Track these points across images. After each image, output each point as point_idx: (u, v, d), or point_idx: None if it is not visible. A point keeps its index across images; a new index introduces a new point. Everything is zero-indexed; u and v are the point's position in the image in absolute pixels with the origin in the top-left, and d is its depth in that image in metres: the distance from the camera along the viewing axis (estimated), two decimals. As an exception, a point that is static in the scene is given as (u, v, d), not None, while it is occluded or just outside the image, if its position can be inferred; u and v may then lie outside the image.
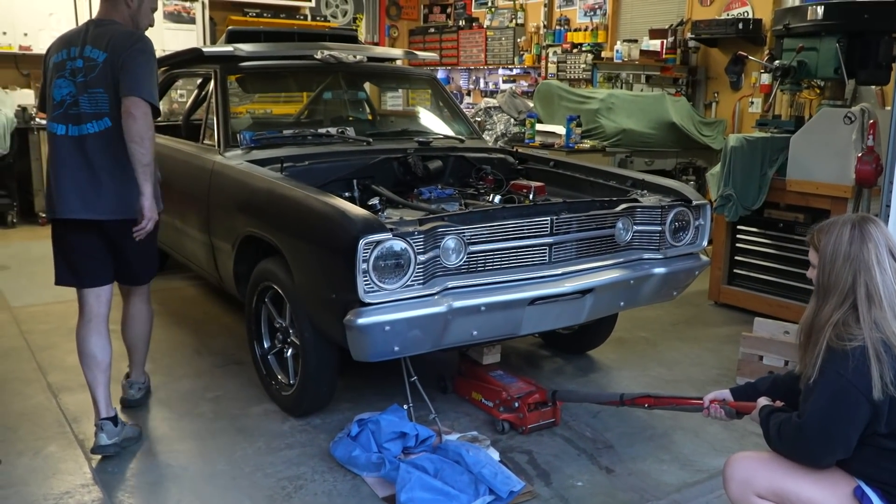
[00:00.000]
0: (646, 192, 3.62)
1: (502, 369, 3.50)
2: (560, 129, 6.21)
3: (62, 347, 4.14)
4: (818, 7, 4.72)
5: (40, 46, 7.40)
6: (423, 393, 3.15)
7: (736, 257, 5.09)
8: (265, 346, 3.47)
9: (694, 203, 3.52)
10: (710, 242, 4.76)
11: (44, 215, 7.22)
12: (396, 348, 2.81)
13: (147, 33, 3.04)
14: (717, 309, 5.12)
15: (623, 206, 3.37)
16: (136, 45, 2.89)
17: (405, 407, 3.10)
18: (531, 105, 6.97)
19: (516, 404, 3.24)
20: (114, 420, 3.02)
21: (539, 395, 3.27)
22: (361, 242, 2.65)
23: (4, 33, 7.29)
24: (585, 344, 4.15)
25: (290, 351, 3.31)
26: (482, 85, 10.49)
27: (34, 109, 7.21)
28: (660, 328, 4.65)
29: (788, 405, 2.15)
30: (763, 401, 2.17)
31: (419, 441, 2.96)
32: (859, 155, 4.00)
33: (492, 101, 7.29)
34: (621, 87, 7.45)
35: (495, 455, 2.96)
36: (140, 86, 2.82)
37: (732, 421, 2.36)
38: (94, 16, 3.09)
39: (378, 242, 2.69)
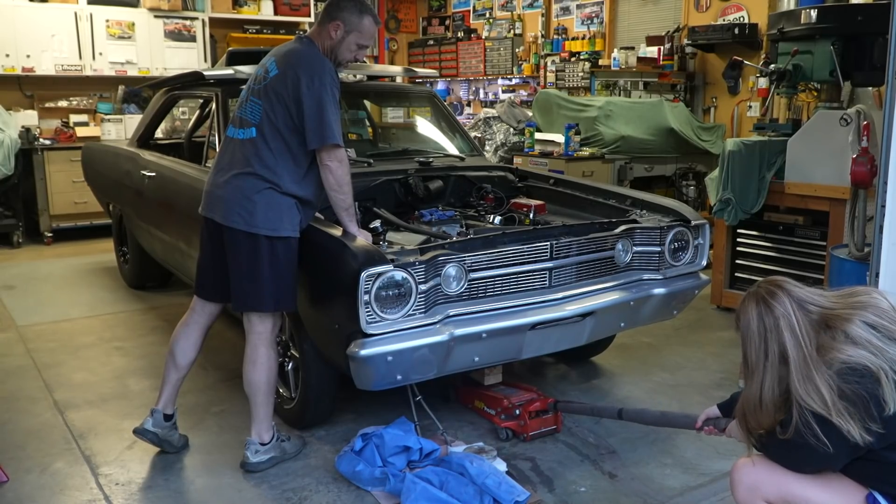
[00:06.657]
0: (645, 211, 3.62)
1: (504, 383, 3.50)
2: (559, 138, 6.24)
3: (68, 365, 4.18)
4: (812, 10, 4.73)
5: (43, 68, 7.49)
6: (428, 409, 3.17)
7: (737, 261, 5.10)
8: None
9: (693, 223, 3.53)
10: (710, 247, 4.77)
11: (49, 235, 7.29)
12: (399, 377, 2.83)
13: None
14: (719, 313, 5.12)
15: (622, 227, 3.37)
16: (314, 81, 2.80)
17: (413, 423, 3.11)
18: (530, 114, 7.01)
19: (517, 412, 3.25)
20: (168, 416, 3.12)
21: (540, 404, 3.29)
22: (363, 275, 2.66)
23: (7, 55, 7.35)
24: (588, 350, 4.15)
25: (290, 364, 3.33)
26: (482, 95, 10.55)
27: (38, 130, 7.28)
28: (662, 333, 4.66)
29: None
30: None
31: (424, 455, 2.96)
32: (854, 156, 4.01)
33: (491, 112, 7.33)
34: (619, 95, 7.48)
35: (502, 466, 2.96)
36: (327, 130, 2.78)
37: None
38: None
39: (380, 274, 2.70)
